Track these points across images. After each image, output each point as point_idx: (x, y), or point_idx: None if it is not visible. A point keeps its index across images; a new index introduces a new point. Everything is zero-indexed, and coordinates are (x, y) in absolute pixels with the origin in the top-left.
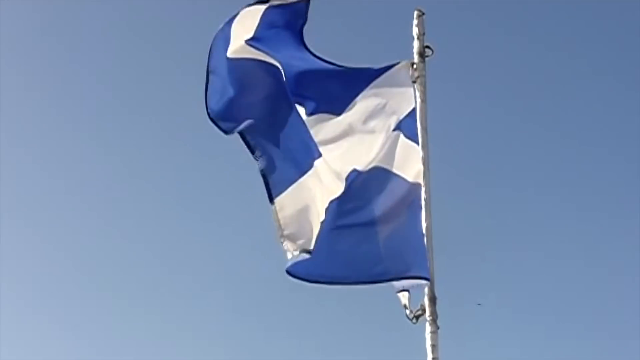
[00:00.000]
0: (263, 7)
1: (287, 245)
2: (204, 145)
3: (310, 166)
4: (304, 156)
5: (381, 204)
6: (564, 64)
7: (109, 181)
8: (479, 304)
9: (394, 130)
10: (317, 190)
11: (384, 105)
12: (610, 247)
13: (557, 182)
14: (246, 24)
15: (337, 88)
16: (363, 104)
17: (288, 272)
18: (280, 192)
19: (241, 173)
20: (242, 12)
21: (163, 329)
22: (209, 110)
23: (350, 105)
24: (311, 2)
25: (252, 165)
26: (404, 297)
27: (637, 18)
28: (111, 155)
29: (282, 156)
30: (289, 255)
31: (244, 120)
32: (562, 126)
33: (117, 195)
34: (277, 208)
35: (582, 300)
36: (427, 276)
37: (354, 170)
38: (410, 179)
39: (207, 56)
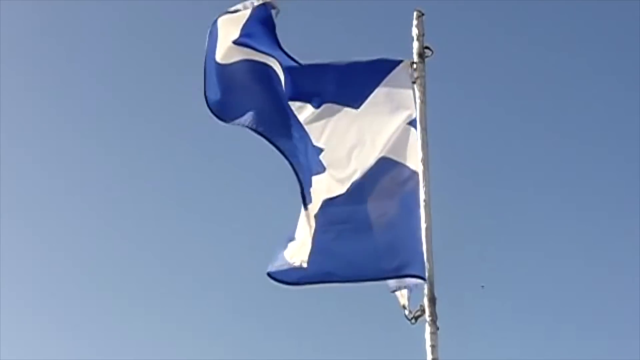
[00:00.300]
0: (247, 11)
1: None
2: (203, 145)
3: (310, 185)
4: (307, 174)
5: (382, 198)
6: (564, 64)
7: (109, 181)
8: (482, 286)
9: (408, 124)
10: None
11: (398, 103)
12: (610, 247)
13: (557, 182)
14: (231, 27)
15: (347, 82)
16: (378, 100)
17: (278, 278)
18: (310, 202)
19: (241, 173)
20: (226, 17)
21: (163, 329)
22: (212, 109)
23: (368, 100)
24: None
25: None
26: (402, 298)
27: (637, 18)
28: (111, 155)
29: (300, 168)
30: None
31: (253, 122)
32: (562, 126)
33: (117, 195)
34: (310, 213)
35: (582, 300)
36: (423, 275)
37: (369, 170)
38: (412, 166)
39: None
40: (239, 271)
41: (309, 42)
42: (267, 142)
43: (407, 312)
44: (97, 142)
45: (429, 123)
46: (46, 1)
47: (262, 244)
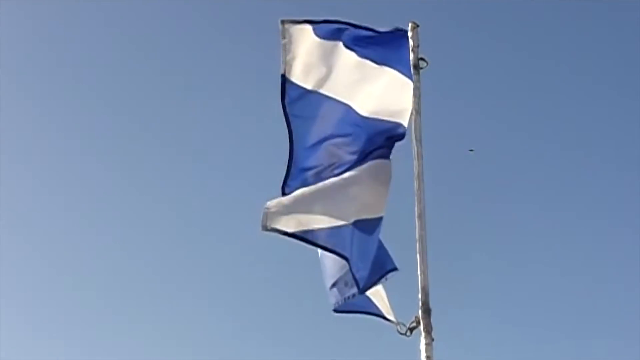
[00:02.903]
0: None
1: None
2: (203, 146)
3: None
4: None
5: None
6: (560, 75)
7: (109, 182)
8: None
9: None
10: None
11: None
12: (608, 255)
13: (552, 192)
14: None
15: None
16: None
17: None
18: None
19: (240, 173)
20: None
21: (163, 329)
22: None
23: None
24: (306, 15)
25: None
26: (389, 315)
27: (637, 18)
28: (110, 156)
29: None
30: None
31: None
32: (558, 137)
33: (118, 196)
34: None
35: (578, 310)
36: (361, 287)
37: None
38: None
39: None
40: (239, 272)
41: None
42: None
43: (399, 328)
44: (97, 142)
45: (423, 133)
46: (46, 1)
47: (262, 244)
